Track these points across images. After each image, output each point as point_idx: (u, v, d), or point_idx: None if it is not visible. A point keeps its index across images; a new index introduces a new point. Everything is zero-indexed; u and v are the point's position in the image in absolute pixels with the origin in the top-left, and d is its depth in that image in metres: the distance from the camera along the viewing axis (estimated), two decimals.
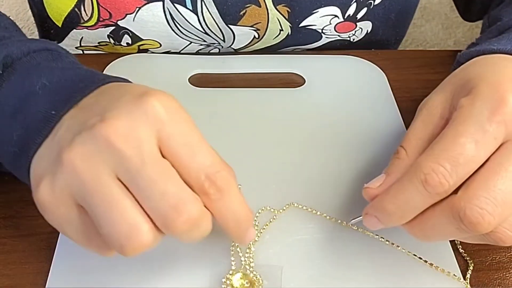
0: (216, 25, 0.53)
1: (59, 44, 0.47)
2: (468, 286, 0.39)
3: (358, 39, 0.58)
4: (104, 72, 0.53)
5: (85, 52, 0.58)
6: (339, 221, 0.42)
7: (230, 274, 0.38)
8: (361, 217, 0.38)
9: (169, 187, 0.31)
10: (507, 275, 0.40)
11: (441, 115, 0.36)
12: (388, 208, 0.34)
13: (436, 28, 1.60)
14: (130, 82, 0.39)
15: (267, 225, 0.41)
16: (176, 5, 0.51)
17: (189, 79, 0.54)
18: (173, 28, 0.53)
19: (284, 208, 0.43)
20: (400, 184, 0.34)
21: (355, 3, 0.53)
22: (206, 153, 0.34)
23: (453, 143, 0.32)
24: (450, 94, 0.37)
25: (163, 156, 0.33)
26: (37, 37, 0.62)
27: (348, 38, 0.58)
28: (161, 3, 0.51)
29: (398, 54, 0.59)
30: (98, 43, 0.55)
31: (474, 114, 0.33)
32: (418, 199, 0.33)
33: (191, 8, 0.51)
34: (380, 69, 0.56)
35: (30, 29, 1.54)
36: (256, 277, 0.38)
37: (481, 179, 0.32)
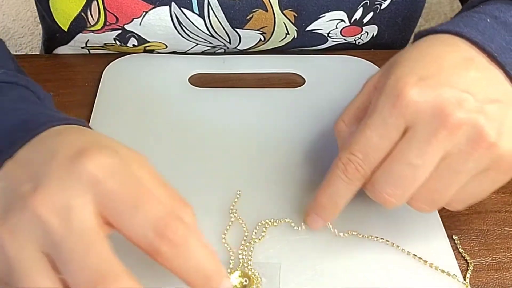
0: (222, 29, 0.53)
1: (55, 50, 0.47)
2: (468, 286, 0.39)
3: (363, 42, 0.58)
4: (104, 72, 0.54)
5: (91, 51, 0.58)
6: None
7: (228, 272, 0.38)
8: None
9: (90, 260, 0.29)
10: (507, 275, 0.40)
11: (374, 86, 0.39)
12: (322, 201, 0.39)
13: None
14: (71, 122, 0.37)
15: (268, 224, 0.41)
16: (183, 9, 0.51)
17: (189, 79, 0.54)
18: (180, 32, 0.53)
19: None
20: (327, 178, 0.38)
21: (361, 8, 0.53)
22: (152, 205, 0.30)
23: (362, 135, 0.37)
24: (384, 70, 0.40)
25: (106, 221, 0.31)
26: (39, 38, 0.62)
27: (354, 42, 0.58)
28: (167, 7, 0.51)
29: None
30: (104, 44, 0.55)
31: (378, 108, 0.36)
32: (343, 187, 0.38)
33: (197, 12, 0.51)
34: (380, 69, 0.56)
35: (30, 29, 1.54)
36: (255, 275, 0.38)
37: (383, 166, 0.36)
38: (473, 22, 0.40)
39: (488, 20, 0.40)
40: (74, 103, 0.51)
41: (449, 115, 0.34)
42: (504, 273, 0.40)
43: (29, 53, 1.32)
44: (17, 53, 0.50)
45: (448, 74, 0.36)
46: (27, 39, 1.54)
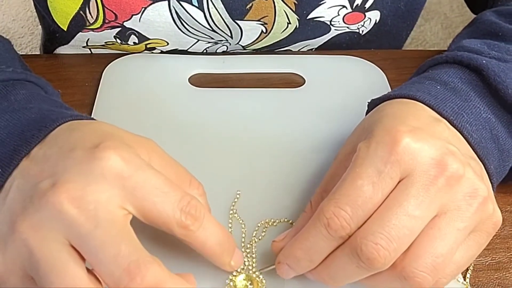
0: (223, 21, 0.52)
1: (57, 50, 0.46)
2: (468, 286, 0.39)
3: (367, 30, 0.57)
4: (104, 72, 0.54)
5: (92, 50, 0.58)
6: None
7: (233, 276, 0.38)
8: (271, 266, 0.38)
9: (122, 248, 0.30)
10: (507, 275, 0.40)
11: (346, 167, 0.36)
12: (297, 254, 0.35)
13: (435, 28, 1.60)
14: (82, 117, 0.38)
15: (268, 224, 0.41)
16: (182, 2, 0.51)
17: (189, 79, 0.54)
18: (180, 27, 0.53)
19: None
20: (306, 230, 0.35)
21: None
22: (174, 189, 0.33)
23: (351, 186, 0.33)
24: (353, 145, 0.38)
25: (132, 211, 0.32)
26: (39, 38, 0.62)
27: (357, 30, 0.57)
28: (166, 2, 0.51)
29: (398, 54, 0.59)
30: (105, 42, 0.55)
31: (370, 156, 0.34)
32: (323, 243, 0.34)
33: (197, 5, 0.51)
34: (380, 69, 0.56)
35: (30, 29, 1.54)
36: (259, 278, 0.38)
37: (377, 216, 0.33)
38: (425, 87, 0.40)
39: (438, 87, 0.40)
40: (74, 103, 0.51)
41: (448, 164, 0.33)
42: (504, 273, 0.40)
43: (29, 53, 1.32)
44: None
45: (431, 127, 0.36)
46: (27, 39, 1.54)
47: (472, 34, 0.49)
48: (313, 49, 0.59)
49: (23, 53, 0.54)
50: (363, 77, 0.55)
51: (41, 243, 0.30)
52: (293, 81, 0.55)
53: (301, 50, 0.59)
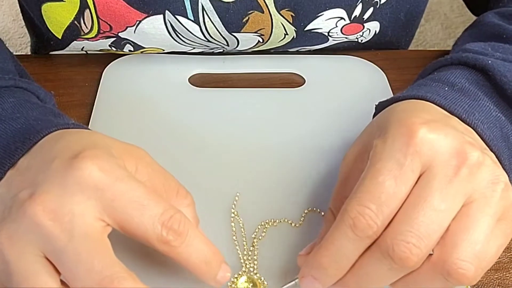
0: (219, 34, 0.52)
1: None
2: (468, 286, 0.39)
3: (366, 40, 0.57)
4: (104, 72, 0.54)
5: (89, 53, 0.58)
6: None
7: (235, 278, 0.38)
8: (292, 283, 0.37)
9: (95, 263, 0.29)
10: (507, 275, 0.40)
11: (359, 168, 0.35)
12: (323, 261, 0.33)
13: (436, 28, 1.60)
14: (69, 126, 0.37)
15: (268, 224, 0.41)
16: (177, 16, 0.50)
17: (189, 79, 0.54)
18: (175, 39, 0.52)
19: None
20: (330, 234, 0.33)
21: (360, 4, 0.52)
22: (156, 202, 0.32)
23: (373, 183, 0.32)
24: (364, 144, 0.38)
25: (110, 223, 0.32)
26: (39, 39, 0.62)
27: (356, 40, 0.57)
28: (161, 15, 0.50)
29: (398, 54, 0.59)
30: (100, 49, 0.55)
31: (387, 150, 0.33)
32: (350, 245, 0.32)
33: (192, 18, 0.50)
34: (380, 69, 0.56)
35: None
36: (261, 280, 0.38)
37: (403, 213, 0.32)
38: (432, 89, 0.40)
39: (446, 88, 0.40)
40: (74, 103, 0.51)
41: (468, 153, 0.33)
42: (504, 273, 0.40)
43: (29, 53, 1.32)
44: (17, 53, 0.50)
45: (445, 120, 0.36)
46: (27, 39, 1.54)
47: (475, 37, 0.49)
48: (311, 51, 0.59)
49: (23, 53, 0.54)
50: (363, 77, 0.55)
51: (17, 254, 0.30)
52: (293, 81, 0.55)
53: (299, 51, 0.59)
